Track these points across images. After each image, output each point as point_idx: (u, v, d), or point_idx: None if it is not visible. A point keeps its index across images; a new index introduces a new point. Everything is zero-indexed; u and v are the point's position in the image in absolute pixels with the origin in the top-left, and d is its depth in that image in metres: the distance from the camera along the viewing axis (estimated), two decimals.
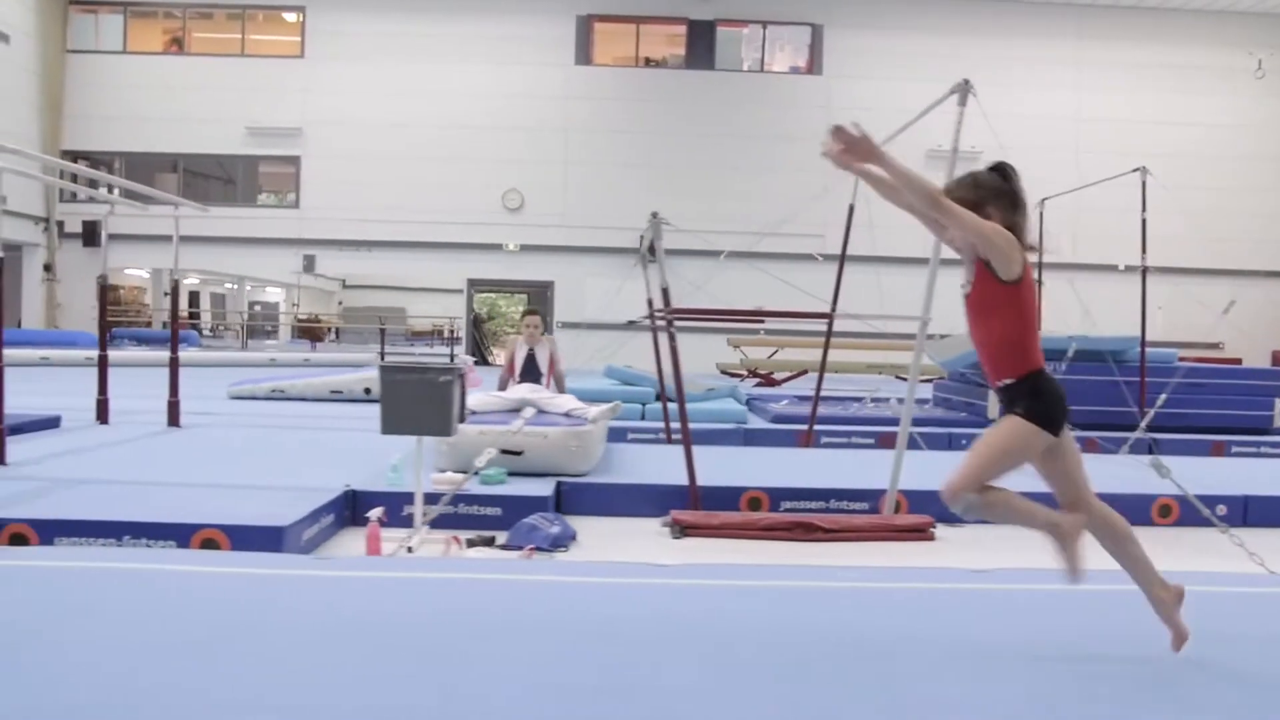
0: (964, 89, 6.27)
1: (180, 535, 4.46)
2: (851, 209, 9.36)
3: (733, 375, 20.07)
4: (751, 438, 9.92)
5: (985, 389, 10.93)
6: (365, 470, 6.16)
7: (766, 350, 19.24)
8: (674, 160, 22.38)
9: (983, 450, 2.86)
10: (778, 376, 17.99)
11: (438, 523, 5.47)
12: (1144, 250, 10.75)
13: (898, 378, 19.10)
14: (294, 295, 34.54)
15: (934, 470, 6.76)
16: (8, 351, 16.39)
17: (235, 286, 35.65)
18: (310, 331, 33.32)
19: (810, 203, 21.79)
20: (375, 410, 9.58)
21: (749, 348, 19.38)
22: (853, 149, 2.74)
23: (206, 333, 31.21)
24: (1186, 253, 20.40)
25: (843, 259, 9.36)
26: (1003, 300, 2.85)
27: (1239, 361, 20.37)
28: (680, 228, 24.31)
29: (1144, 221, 10.76)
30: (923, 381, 19.65)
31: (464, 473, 5.92)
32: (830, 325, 9.20)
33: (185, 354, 19.54)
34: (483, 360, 24.54)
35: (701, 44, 22.57)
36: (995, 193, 2.90)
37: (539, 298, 24.38)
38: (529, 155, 22.11)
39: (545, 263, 22.25)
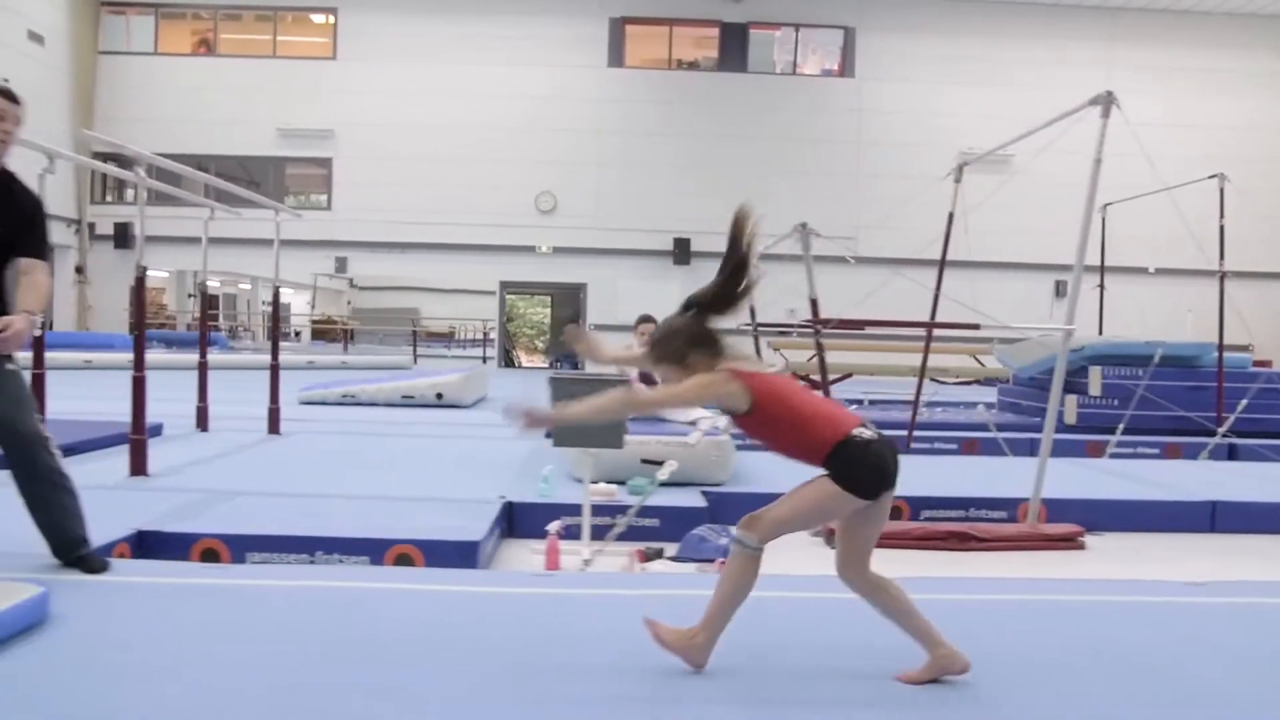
0: (1107, 100, 6.19)
1: (374, 551, 4.43)
2: (951, 216, 9.32)
3: None
4: None
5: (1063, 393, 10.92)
6: (500, 480, 6.13)
7: (806, 353, 19.22)
8: (706, 162, 22.37)
9: (793, 502, 2.80)
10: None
11: (598, 535, 5.47)
12: (1221, 256, 10.78)
13: (934, 380, 19.13)
14: (312, 296, 34.49)
15: (1059, 478, 6.78)
16: (54, 355, 16.16)
17: (250, 287, 35.53)
18: (325, 333, 33.27)
19: (899, 204, 21.87)
20: (460, 415, 9.56)
21: (788, 350, 19.36)
22: (535, 423, 2.72)
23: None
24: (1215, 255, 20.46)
25: (942, 267, 9.33)
26: (758, 422, 2.79)
27: (1269, 364, 20.44)
28: (711, 230, 24.31)
29: (1221, 229, 10.81)
30: (968, 384, 19.70)
31: (619, 483, 5.92)
32: (929, 334, 9.18)
33: (232, 358, 19.52)
34: (509, 363, 24.52)
35: (734, 46, 22.57)
36: (690, 339, 2.82)
37: (571, 299, 24.37)
38: (561, 157, 22.09)
39: (578, 265, 22.22)
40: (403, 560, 4.42)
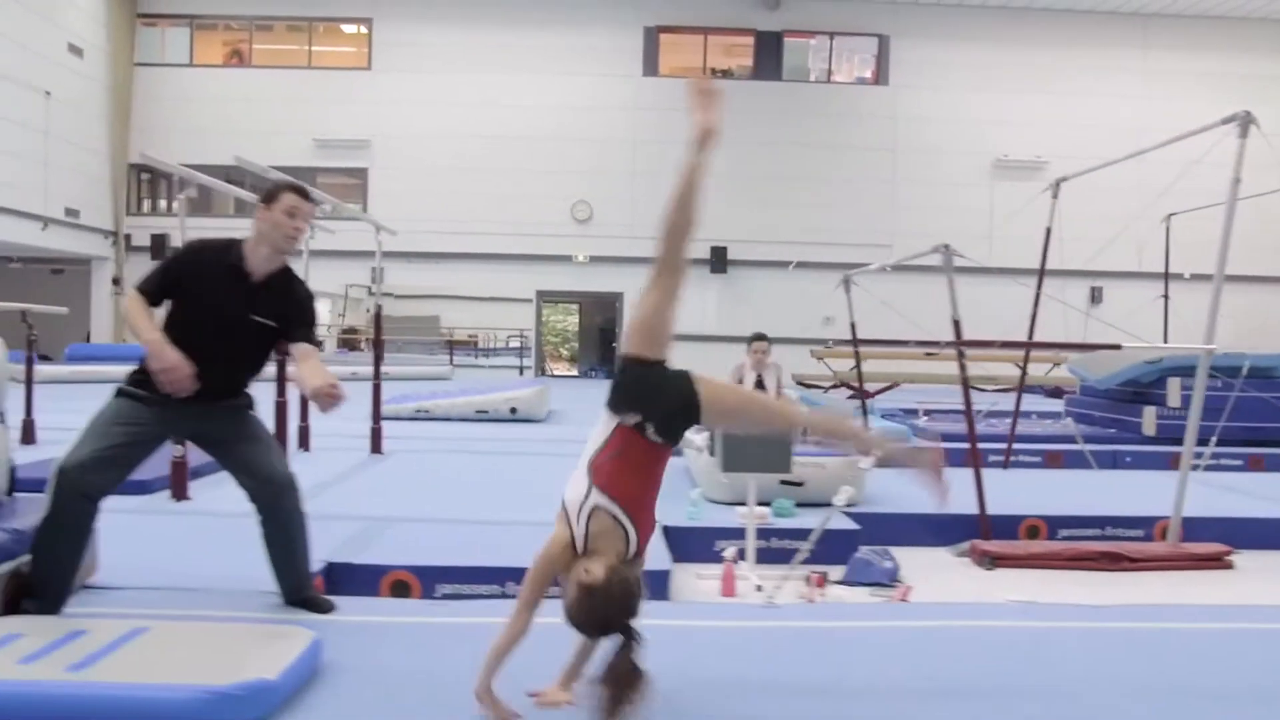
0: (1245, 119, 6.14)
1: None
2: (1049, 232, 9.31)
3: (810, 386, 20.09)
4: None
5: (1136, 405, 10.92)
6: None
7: (848, 362, 19.20)
8: (741, 171, 22.34)
9: None
10: (870, 389, 17.89)
11: (759, 558, 5.46)
12: None
13: (973, 388, 19.09)
14: (339, 305, 34.37)
15: (1172, 494, 6.71)
16: (92, 368, 16.14)
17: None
18: (349, 342, 33.16)
19: (935, 212, 21.89)
20: (539, 430, 9.51)
21: (831, 359, 19.37)
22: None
23: None
24: (1257, 260, 20.55)
25: (1041, 279, 9.31)
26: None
27: None
28: (748, 238, 24.33)
29: None
30: (1005, 391, 19.60)
31: (766, 505, 5.91)
32: (1028, 350, 9.15)
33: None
34: (542, 372, 24.49)
35: (768, 54, 22.59)
36: None
37: (602, 308, 24.36)
38: (597, 166, 22.10)
39: (614, 274, 22.19)
40: None
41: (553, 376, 23.99)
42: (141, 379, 3.44)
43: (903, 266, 22.38)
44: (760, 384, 7.32)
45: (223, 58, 23.05)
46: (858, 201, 22.43)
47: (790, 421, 3.05)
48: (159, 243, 21.94)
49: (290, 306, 3.54)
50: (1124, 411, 11.17)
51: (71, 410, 8.86)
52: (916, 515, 6.16)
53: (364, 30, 22.74)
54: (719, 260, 21.97)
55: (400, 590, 4.37)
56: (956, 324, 6.40)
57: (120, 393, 3.48)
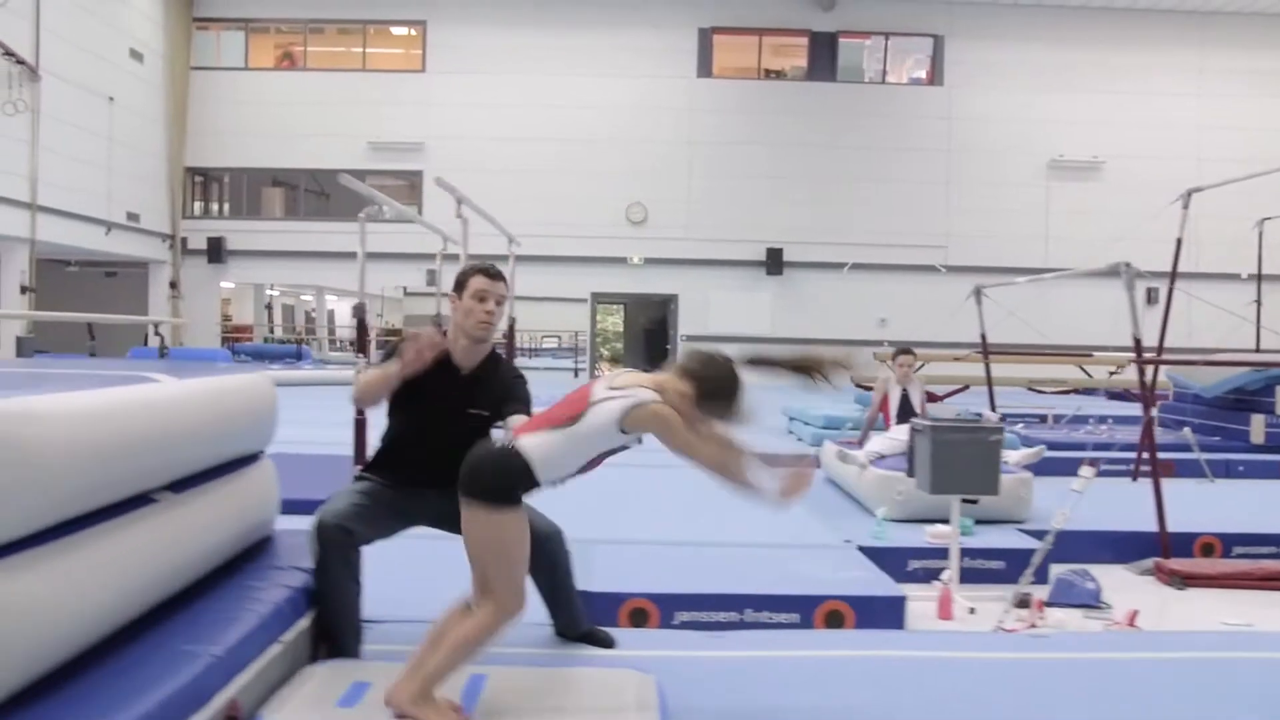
0: None
1: (804, 608, 4.39)
2: (1179, 242, 9.25)
3: (865, 387, 20.01)
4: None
5: (1242, 413, 10.87)
6: (799, 521, 6.10)
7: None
8: (796, 172, 22.34)
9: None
10: (939, 392, 17.82)
11: (933, 576, 5.46)
12: None
13: (1029, 389, 19.03)
14: (379, 306, 34.47)
15: None
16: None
17: (310, 298, 35.57)
18: (387, 343, 33.18)
19: (990, 213, 21.78)
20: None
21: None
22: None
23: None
24: None
25: (1172, 284, 9.26)
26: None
27: None
28: (803, 240, 24.17)
29: None
30: (1066, 393, 19.55)
31: (945, 522, 5.88)
32: (1157, 355, 9.10)
33: (334, 373, 19.45)
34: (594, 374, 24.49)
35: (823, 55, 22.52)
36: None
37: (653, 309, 24.35)
38: (652, 168, 22.07)
39: (669, 276, 22.20)
40: (833, 617, 4.37)
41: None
42: (377, 466, 3.47)
43: (955, 268, 22.17)
44: (906, 398, 7.29)
45: (280, 61, 23.09)
46: (912, 202, 22.37)
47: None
48: (215, 245, 22.06)
49: (503, 392, 3.43)
50: (1229, 419, 11.10)
51: None
52: (1088, 532, 6.13)
53: (414, 33, 22.76)
54: (774, 262, 21.94)
55: (639, 619, 4.36)
56: (1137, 341, 6.34)
57: (358, 477, 3.50)
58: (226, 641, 2.60)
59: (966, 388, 17.68)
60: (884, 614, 4.38)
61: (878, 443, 6.83)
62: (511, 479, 2.74)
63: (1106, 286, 21.88)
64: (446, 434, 3.32)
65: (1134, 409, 16.08)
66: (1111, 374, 18.84)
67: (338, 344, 32.66)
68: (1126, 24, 22.43)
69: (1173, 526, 6.18)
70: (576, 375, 22.84)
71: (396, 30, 23.32)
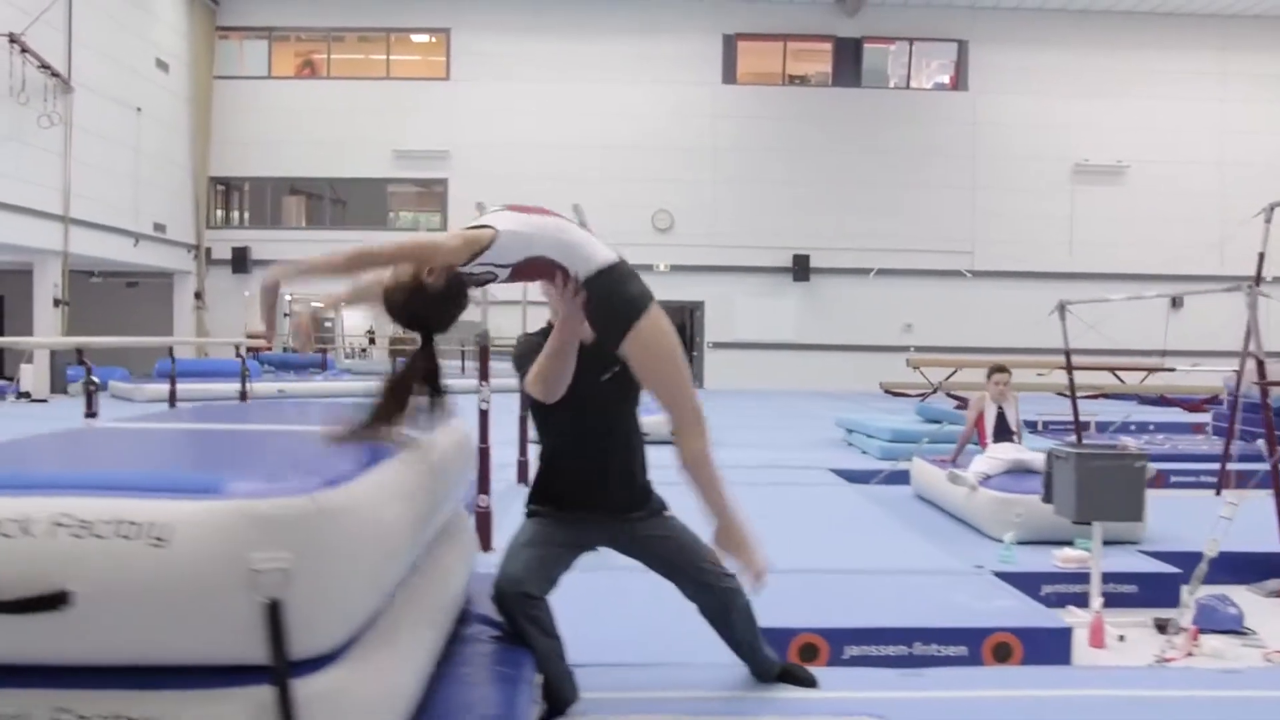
0: None
1: (972, 640, 4.35)
2: (1262, 256, 9.23)
3: (896, 394, 20.03)
4: None
5: None
6: (903, 542, 6.06)
7: (944, 370, 19.13)
8: (821, 178, 22.35)
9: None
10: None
11: (1074, 602, 5.43)
12: None
13: (1059, 394, 18.98)
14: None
15: None
16: (206, 385, 16.00)
17: (321, 305, 35.45)
18: (401, 351, 33.09)
19: (1015, 218, 21.79)
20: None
21: (928, 368, 19.26)
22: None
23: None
24: None
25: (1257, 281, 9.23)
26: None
27: None
28: (828, 246, 24.18)
29: None
30: (1094, 398, 19.58)
31: (1069, 544, 5.86)
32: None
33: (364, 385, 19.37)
34: None
35: (847, 61, 22.54)
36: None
37: (675, 314, 24.32)
38: (677, 175, 22.07)
39: (695, 283, 22.17)
40: (1001, 650, 4.34)
41: None
42: (540, 495, 3.37)
43: (981, 273, 22.17)
44: (1002, 418, 7.25)
45: (303, 69, 23.03)
46: (937, 208, 22.39)
47: (687, 423, 2.96)
48: (240, 256, 21.97)
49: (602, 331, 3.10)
50: None
51: None
52: (1198, 554, 6.09)
53: (435, 40, 22.72)
54: (801, 268, 21.94)
55: (809, 654, 4.30)
56: (1261, 364, 6.29)
57: (529, 512, 3.40)
58: (501, 707, 2.55)
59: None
60: (1050, 646, 4.34)
61: (982, 463, 6.79)
62: (620, 286, 2.86)
63: (1130, 289, 21.83)
64: (586, 420, 3.19)
65: (1170, 415, 16.13)
66: (1143, 380, 18.78)
67: (350, 352, 32.58)
68: (1149, 28, 22.49)
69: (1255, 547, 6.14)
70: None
71: (418, 38, 23.28)
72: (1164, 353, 17.13)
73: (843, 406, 16.43)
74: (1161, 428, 14.91)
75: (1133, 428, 14.86)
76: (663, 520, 3.38)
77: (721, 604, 3.40)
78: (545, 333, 3.19)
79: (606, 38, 22.17)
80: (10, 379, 17.02)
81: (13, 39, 14.56)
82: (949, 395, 18.03)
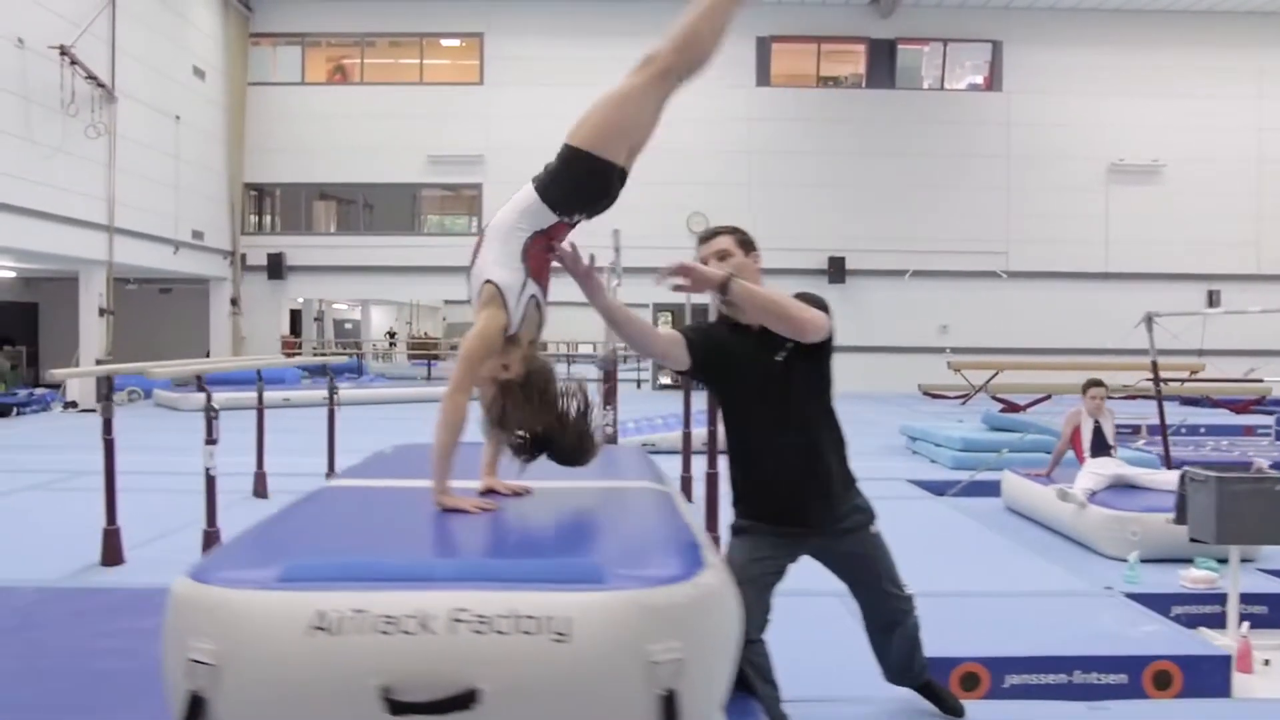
0: None
1: (1133, 668, 4.33)
2: None
3: (935, 396, 19.97)
4: None
5: None
6: (1002, 558, 6.02)
7: (986, 373, 19.08)
8: (856, 179, 22.29)
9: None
10: (1020, 401, 17.74)
11: (1205, 623, 5.40)
12: None
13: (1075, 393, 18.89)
14: (405, 314, 34.50)
15: None
16: (241, 394, 16.12)
17: (346, 308, 35.51)
18: (424, 355, 33.04)
19: (1051, 218, 21.75)
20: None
21: (969, 370, 19.23)
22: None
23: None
24: None
25: None
26: None
27: None
28: (864, 248, 24.09)
29: None
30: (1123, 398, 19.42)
31: (1189, 562, 5.82)
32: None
33: (396, 391, 19.34)
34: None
35: (881, 63, 22.46)
36: None
37: (698, 315, 24.22)
38: (712, 178, 22.01)
39: None
40: (1161, 678, 4.32)
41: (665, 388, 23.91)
42: (744, 508, 3.28)
43: (1016, 274, 22.09)
44: (1099, 432, 7.21)
45: (336, 75, 23.03)
46: (972, 208, 22.32)
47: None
48: (275, 262, 21.98)
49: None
50: None
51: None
52: None
53: (466, 44, 22.70)
54: (837, 270, 21.88)
55: (970, 683, 4.29)
56: None
57: (736, 530, 3.31)
58: None
59: (1049, 397, 17.63)
60: (1209, 674, 4.32)
61: (1087, 479, 6.76)
62: (553, 180, 3.01)
63: (1167, 289, 21.68)
64: (769, 410, 3.15)
65: (1218, 416, 16.03)
66: (1183, 383, 18.60)
67: (378, 356, 32.61)
68: (1184, 26, 22.37)
69: None
70: (639, 387, 22.78)
71: (450, 42, 23.24)
72: (1200, 352, 16.96)
73: (891, 411, 16.41)
74: (1213, 430, 14.81)
75: (1183, 430, 14.74)
76: (867, 538, 3.34)
77: (890, 620, 3.41)
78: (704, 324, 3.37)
79: (640, 41, 21.64)
80: (55, 387, 17.02)
81: (63, 51, 14.56)
82: (994, 399, 17.98)
